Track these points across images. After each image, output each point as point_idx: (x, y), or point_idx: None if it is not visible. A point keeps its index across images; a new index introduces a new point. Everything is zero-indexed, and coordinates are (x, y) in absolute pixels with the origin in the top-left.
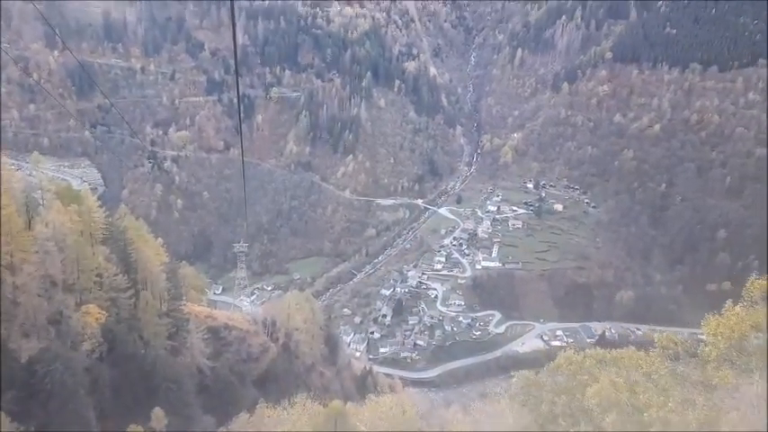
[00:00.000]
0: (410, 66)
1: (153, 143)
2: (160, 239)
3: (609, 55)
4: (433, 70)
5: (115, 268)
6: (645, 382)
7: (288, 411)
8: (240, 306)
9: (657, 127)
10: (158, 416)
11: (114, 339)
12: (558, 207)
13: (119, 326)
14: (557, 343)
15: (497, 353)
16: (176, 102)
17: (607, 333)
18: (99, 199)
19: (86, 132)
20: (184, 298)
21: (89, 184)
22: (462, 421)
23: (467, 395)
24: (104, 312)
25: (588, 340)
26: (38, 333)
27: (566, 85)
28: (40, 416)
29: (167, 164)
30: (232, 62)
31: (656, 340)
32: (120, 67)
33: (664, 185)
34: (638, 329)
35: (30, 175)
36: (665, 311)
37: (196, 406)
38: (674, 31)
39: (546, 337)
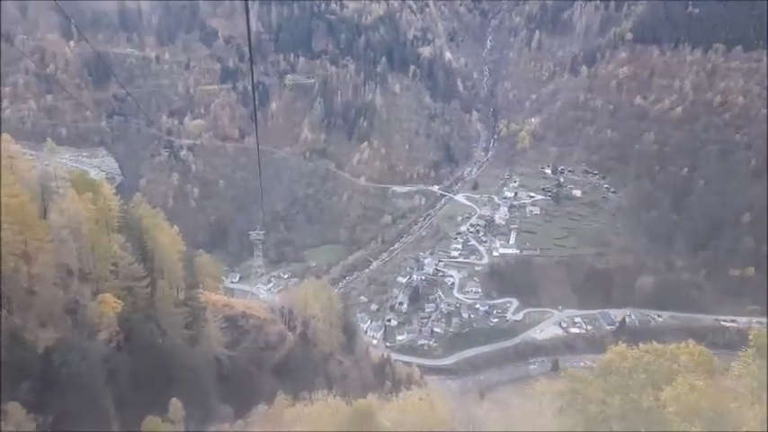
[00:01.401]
0: (425, 51)
1: (169, 132)
2: (176, 228)
3: (629, 36)
4: (448, 55)
5: (131, 257)
6: (734, 387)
7: (308, 407)
8: (257, 294)
9: (679, 109)
10: (176, 406)
11: (131, 329)
12: (577, 192)
13: (135, 315)
14: (575, 330)
15: (515, 340)
16: (191, 90)
17: (627, 320)
18: (117, 188)
19: (103, 122)
20: (201, 286)
21: (107, 174)
22: (499, 420)
23: (484, 382)
24: (120, 301)
25: (608, 327)
26: (54, 323)
27: (584, 67)
28: (56, 406)
29: (183, 153)
30: (246, 49)
31: (750, 337)
32: (135, 57)
33: (686, 169)
34: (659, 316)
35: (46, 164)
36: (688, 297)
37: (214, 395)
38: (697, 9)
39: (564, 324)
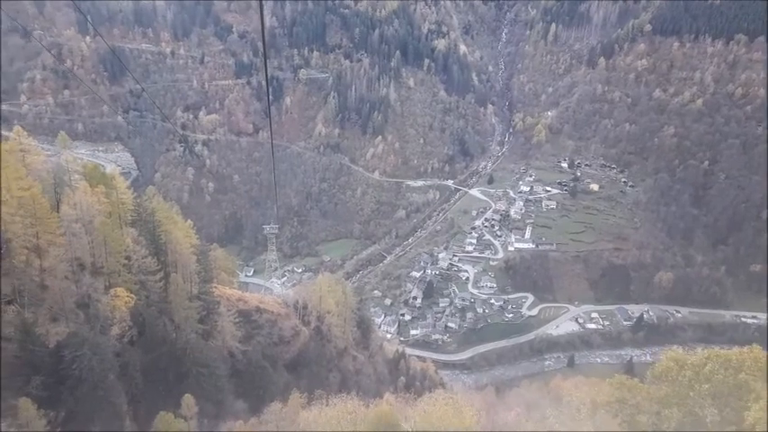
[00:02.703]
0: (440, 44)
1: (184, 127)
2: (190, 221)
3: (648, 27)
4: (463, 48)
5: (144, 250)
6: None
7: (324, 410)
8: (271, 288)
9: (700, 102)
10: (188, 403)
11: (144, 323)
12: (594, 187)
13: (149, 309)
14: (592, 326)
15: (530, 335)
16: (206, 85)
17: (645, 316)
18: (132, 183)
19: (119, 117)
20: (215, 280)
21: (122, 169)
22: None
23: (499, 378)
24: (133, 296)
25: (625, 323)
26: (66, 317)
27: (602, 60)
28: (68, 402)
29: (198, 147)
30: (260, 44)
31: None
32: (150, 52)
33: (706, 163)
34: (678, 312)
35: (59, 157)
36: (707, 293)
37: (227, 390)
38: (718, 1)
39: (581, 320)
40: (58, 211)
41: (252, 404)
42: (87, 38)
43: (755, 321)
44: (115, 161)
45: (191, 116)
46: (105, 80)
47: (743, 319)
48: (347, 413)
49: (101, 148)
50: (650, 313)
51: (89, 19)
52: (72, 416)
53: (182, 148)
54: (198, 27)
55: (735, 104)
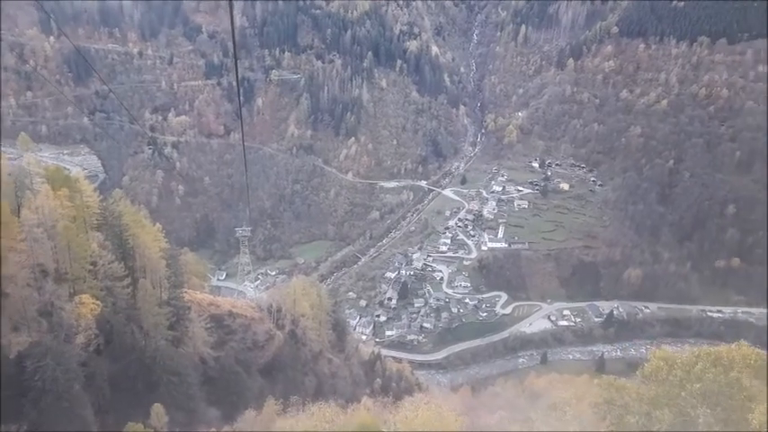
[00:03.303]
0: (412, 45)
1: (152, 129)
2: (159, 225)
3: (615, 29)
4: (435, 49)
5: (111, 255)
6: None
7: (302, 420)
8: (244, 292)
9: (665, 102)
10: (158, 412)
11: (111, 331)
12: (565, 186)
13: (116, 316)
14: (564, 323)
15: (504, 334)
16: (175, 86)
17: (615, 312)
18: (99, 186)
19: (85, 119)
20: (186, 285)
21: (89, 172)
22: None
23: (474, 376)
24: (100, 302)
25: (596, 319)
26: (28, 326)
27: (571, 61)
28: (31, 414)
29: (168, 150)
30: (230, 45)
31: None
32: (117, 52)
33: (672, 161)
34: (646, 307)
35: (19, 160)
36: (674, 289)
37: (200, 398)
38: (682, 3)
39: (553, 318)
40: (18, 216)
41: (225, 411)
42: (51, 38)
43: (720, 315)
44: (81, 164)
45: (159, 118)
46: (70, 81)
47: (708, 314)
48: (325, 421)
49: (66, 151)
50: (620, 309)
51: (53, 18)
52: (35, 429)
53: (150, 151)
54: (166, 27)
55: (698, 105)
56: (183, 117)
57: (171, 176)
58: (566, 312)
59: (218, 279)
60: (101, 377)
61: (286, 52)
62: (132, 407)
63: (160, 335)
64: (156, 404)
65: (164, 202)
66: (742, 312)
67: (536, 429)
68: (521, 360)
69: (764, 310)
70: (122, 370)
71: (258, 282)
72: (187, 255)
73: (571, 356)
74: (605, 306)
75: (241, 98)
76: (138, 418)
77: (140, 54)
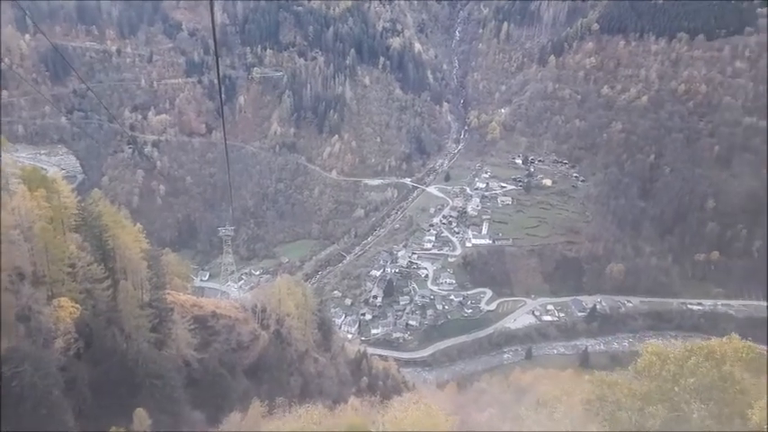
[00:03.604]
0: (395, 42)
1: (132, 128)
2: (139, 225)
3: (595, 26)
4: (418, 46)
5: (90, 257)
6: None
7: (288, 424)
8: (228, 292)
9: (645, 98)
10: (141, 416)
11: (92, 334)
12: (547, 182)
13: (96, 319)
14: (548, 318)
15: (489, 330)
16: (155, 84)
17: (598, 306)
18: (78, 187)
19: (63, 118)
20: (168, 286)
21: (67, 172)
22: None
23: (460, 373)
24: (79, 306)
25: (579, 314)
26: (4, 331)
27: (552, 58)
28: (9, 422)
29: (148, 149)
30: (211, 42)
31: None
32: (95, 50)
33: (652, 157)
34: (629, 302)
35: None
36: (656, 282)
37: (184, 401)
38: (661, 0)
39: (537, 313)
40: None
41: (210, 414)
42: (27, 35)
43: (700, 308)
44: (59, 164)
45: (139, 116)
46: (47, 80)
47: (689, 306)
48: (313, 423)
49: (43, 151)
50: (603, 304)
51: (29, 15)
52: None
53: (130, 150)
54: (145, 24)
55: (678, 100)
56: (164, 116)
57: (152, 176)
58: (549, 307)
59: (202, 280)
60: (81, 382)
61: (268, 50)
62: (114, 411)
63: (142, 337)
64: (138, 408)
65: (145, 203)
66: (722, 305)
67: (527, 427)
68: (506, 356)
69: (743, 302)
70: (103, 374)
71: (242, 282)
72: (169, 255)
73: (555, 351)
74: (588, 301)
75: (223, 96)
76: (121, 422)
77: (119, 52)
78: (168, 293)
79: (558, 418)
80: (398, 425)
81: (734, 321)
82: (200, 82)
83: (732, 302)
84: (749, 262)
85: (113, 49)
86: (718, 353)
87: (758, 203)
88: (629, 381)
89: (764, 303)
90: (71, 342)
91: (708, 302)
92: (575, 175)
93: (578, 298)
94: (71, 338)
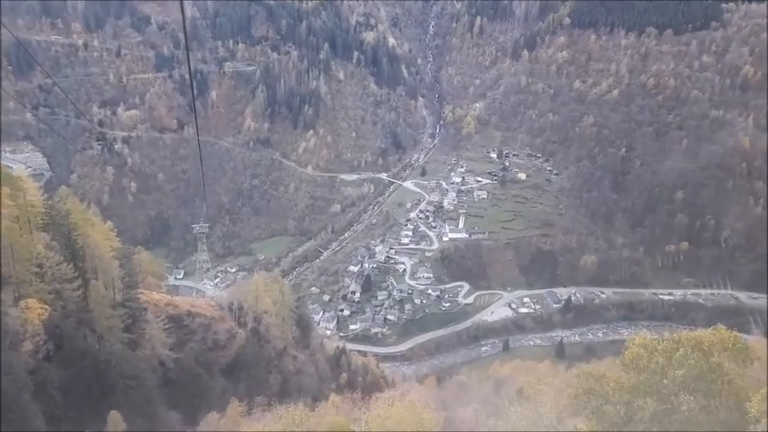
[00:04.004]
0: (368, 36)
1: (101, 124)
2: (110, 223)
3: (567, 21)
4: (392, 41)
5: (58, 256)
6: None
7: (269, 426)
8: (204, 290)
9: (616, 92)
10: (115, 419)
11: (62, 336)
12: (522, 176)
13: (66, 321)
14: (524, 310)
15: (467, 323)
16: (124, 79)
17: (572, 298)
18: (46, 185)
19: (28, 115)
20: (141, 285)
21: (33, 170)
22: (495, 427)
23: (439, 366)
24: (48, 306)
25: (554, 306)
26: None
27: (525, 52)
28: None
29: (118, 145)
30: (181, 36)
31: None
32: (60, 44)
33: (624, 150)
34: (602, 293)
35: None
36: (628, 274)
37: (159, 402)
38: None
39: (514, 305)
40: None
41: (187, 414)
42: None
43: (671, 298)
44: (25, 162)
45: (108, 112)
46: (10, 75)
47: (660, 296)
48: (294, 425)
49: (8, 149)
50: (577, 295)
51: None
52: None
53: (100, 147)
54: (112, 18)
55: (647, 94)
56: (134, 111)
57: (122, 173)
58: (526, 300)
59: (176, 278)
60: (51, 385)
61: (240, 44)
62: (88, 415)
63: (115, 338)
64: (112, 411)
65: (115, 200)
66: (691, 294)
67: (512, 424)
68: (484, 348)
69: (711, 291)
70: (75, 376)
71: (218, 279)
72: (142, 254)
73: (532, 343)
74: (563, 292)
75: (194, 91)
76: (95, 425)
77: (86, 46)
78: (141, 292)
79: (545, 413)
80: (382, 424)
81: (703, 310)
82: (170, 77)
83: (701, 292)
84: (717, 252)
85: (80, 42)
86: (705, 343)
87: (725, 195)
88: (617, 374)
89: (731, 292)
90: (40, 344)
91: (678, 292)
92: (548, 168)
93: (553, 290)
94: (40, 340)
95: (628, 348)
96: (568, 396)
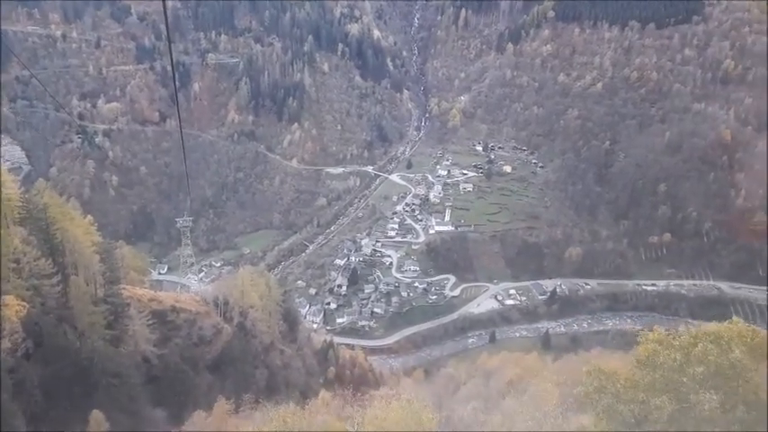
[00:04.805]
0: (353, 28)
1: (81, 117)
2: (90, 217)
3: (551, 14)
4: (376, 33)
5: (36, 252)
6: None
7: (257, 425)
8: (188, 285)
9: (600, 85)
10: (97, 418)
11: (41, 333)
12: (507, 168)
13: (45, 317)
14: (510, 302)
15: (454, 315)
16: (104, 71)
17: (558, 290)
18: (24, 179)
19: (5, 108)
20: (123, 281)
21: (12, 164)
22: (500, 427)
23: (426, 359)
24: (26, 303)
25: (540, 297)
26: None
27: (510, 45)
28: None
29: (99, 138)
30: (163, 27)
31: None
32: (38, 35)
33: (607, 143)
34: (587, 284)
35: None
36: (612, 265)
37: (144, 400)
38: None
39: (500, 297)
40: None
41: (172, 412)
42: None
43: (654, 289)
44: (3, 156)
45: (88, 105)
46: None
47: (643, 287)
48: (285, 426)
49: None
50: (562, 287)
51: None
52: None
53: (80, 140)
54: (92, 8)
55: (631, 87)
56: (115, 104)
57: (103, 167)
58: (512, 292)
59: (160, 273)
60: (31, 384)
61: (222, 35)
62: (69, 414)
63: (97, 334)
64: (94, 410)
65: (96, 194)
66: (674, 285)
67: (520, 424)
68: (470, 340)
69: (693, 282)
70: (56, 375)
71: (202, 274)
72: (124, 248)
73: (518, 334)
74: (549, 284)
75: (177, 83)
76: (77, 425)
77: (64, 37)
78: (124, 288)
79: (550, 412)
80: (380, 425)
81: (686, 301)
82: (152, 68)
83: (684, 282)
84: (699, 243)
85: (58, 33)
86: (725, 338)
87: (707, 187)
88: (630, 371)
89: (713, 283)
90: (18, 342)
91: (661, 283)
92: (533, 161)
93: (539, 282)
94: (18, 338)
95: (640, 344)
96: (574, 393)
